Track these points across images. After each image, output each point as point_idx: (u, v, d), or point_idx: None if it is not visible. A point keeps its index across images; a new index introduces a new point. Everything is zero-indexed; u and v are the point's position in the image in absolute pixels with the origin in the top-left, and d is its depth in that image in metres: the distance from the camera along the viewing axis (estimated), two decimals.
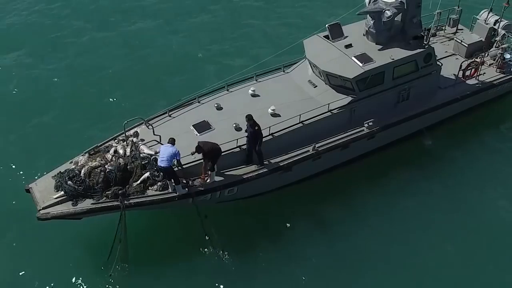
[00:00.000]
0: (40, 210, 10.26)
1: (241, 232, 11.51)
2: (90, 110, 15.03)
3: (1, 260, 11.15)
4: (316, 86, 12.47)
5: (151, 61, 17.23)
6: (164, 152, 10.13)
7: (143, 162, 10.79)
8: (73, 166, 10.98)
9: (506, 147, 13.90)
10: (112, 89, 15.89)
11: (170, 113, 12.20)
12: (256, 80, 13.02)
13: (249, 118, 10.50)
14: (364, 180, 12.76)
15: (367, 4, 12.34)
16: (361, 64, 11.74)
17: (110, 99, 15.54)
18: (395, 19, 12.31)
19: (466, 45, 14.51)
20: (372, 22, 12.17)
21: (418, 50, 12.21)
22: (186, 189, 10.54)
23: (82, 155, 11.30)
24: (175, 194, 10.56)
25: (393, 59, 11.92)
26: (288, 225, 11.64)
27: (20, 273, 10.88)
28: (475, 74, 13.71)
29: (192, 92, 12.69)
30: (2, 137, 14.19)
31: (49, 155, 13.20)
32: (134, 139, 11.47)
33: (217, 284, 10.60)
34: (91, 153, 11.38)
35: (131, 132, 11.60)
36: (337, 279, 10.68)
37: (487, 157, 13.53)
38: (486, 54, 14.24)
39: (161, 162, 10.13)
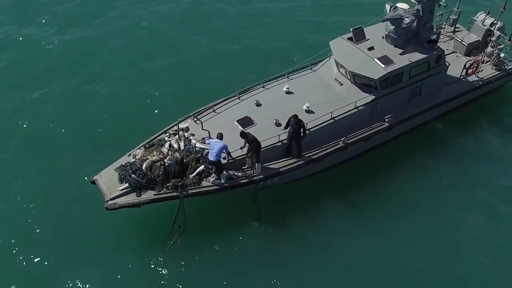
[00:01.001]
0: (108, 201, 11.46)
1: (282, 215, 13.10)
2: (139, 105, 16.08)
3: (69, 239, 12.45)
4: (342, 84, 13.95)
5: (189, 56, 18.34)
6: (213, 147, 11.44)
7: (197, 156, 12.16)
8: (133, 159, 12.19)
9: (500, 130, 16.08)
10: (156, 85, 16.89)
11: (214, 109, 13.48)
12: (288, 78, 14.41)
13: (295, 117, 11.92)
14: (384, 163, 14.52)
15: (388, 11, 13.80)
16: (383, 66, 13.29)
17: (156, 93, 16.63)
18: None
19: (466, 44, 16.30)
20: (392, 27, 13.68)
21: (431, 53, 13.88)
22: (226, 180, 11.99)
23: (139, 149, 12.51)
24: (226, 185, 12.04)
25: (410, 61, 13.52)
26: (320, 205, 13.39)
27: (84, 253, 12.16)
28: (476, 71, 15.58)
29: (231, 87, 14.06)
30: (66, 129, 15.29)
31: (104, 148, 14.35)
32: (186, 134, 12.75)
33: (262, 261, 12.23)
34: (146, 146, 12.60)
35: (182, 126, 12.83)
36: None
37: (485, 137, 15.77)
38: (484, 53, 16.12)
39: (211, 156, 11.44)
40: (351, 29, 14.08)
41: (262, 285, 11.73)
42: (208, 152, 11.80)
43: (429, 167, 14.60)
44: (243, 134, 11.85)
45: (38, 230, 12.56)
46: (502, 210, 13.54)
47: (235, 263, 12.13)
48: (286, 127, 12.37)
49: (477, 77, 15.65)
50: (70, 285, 11.52)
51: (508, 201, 13.72)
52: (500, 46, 15.78)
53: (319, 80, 14.30)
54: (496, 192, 13.93)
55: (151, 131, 13.09)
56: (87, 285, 11.53)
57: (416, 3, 13.54)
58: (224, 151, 11.56)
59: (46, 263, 11.93)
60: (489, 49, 16.17)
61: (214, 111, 13.48)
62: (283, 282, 11.73)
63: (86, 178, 12.63)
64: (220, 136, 11.61)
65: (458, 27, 17.53)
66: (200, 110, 13.50)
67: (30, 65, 17.69)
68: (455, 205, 13.56)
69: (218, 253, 12.28)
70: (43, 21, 19.83)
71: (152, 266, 11.94)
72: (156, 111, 15.76)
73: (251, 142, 11.72)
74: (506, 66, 16.12)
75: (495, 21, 16.05)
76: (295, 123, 11.96)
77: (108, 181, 11.89)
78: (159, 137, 12.82)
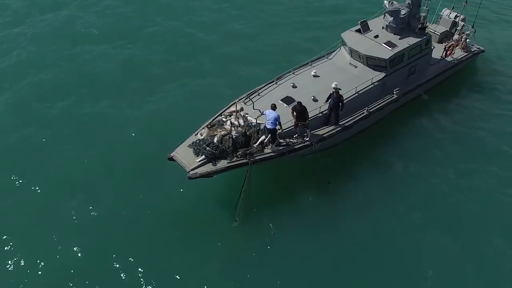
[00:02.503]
0: (189, 171, 13.27)
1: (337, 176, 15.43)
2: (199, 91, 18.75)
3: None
4: (357, 67, 16.94)
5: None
6: (269, 116, 13.59)
7: (256, 129, 14.37)
8: (201, 137, 14.14)
9: (471, 95, 19.78)
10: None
11: (259, 92, 15.83)
12: (311, 65, 17.16)
13: (337, 92, 14.60)
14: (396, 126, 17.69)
15: (387, 6, 17.17)
16: (390, 49, 16.49)
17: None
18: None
19: (438, 34, 20.13)
20: (391, 18, 17.03)
21: (423, 37, 17.36)
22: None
23: (203, 129, 14.47)
24: (286, 149, 14.34)
25: (409, 44, 16.86)
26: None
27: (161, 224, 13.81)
28: (451, 53, 19.39)
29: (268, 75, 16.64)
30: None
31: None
32: (241, 113, 14.95)
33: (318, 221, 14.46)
34: (209, 126, 14.60)
35: (237, 107, 15.02)
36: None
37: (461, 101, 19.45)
38: (452, 40, 20.04)
39: (268, 125, 13.61)
40: (359, 22, 17.27)
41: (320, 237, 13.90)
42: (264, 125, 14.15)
43: (428, 128, 17.96)
44: (294, 108, 14.28)
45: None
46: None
47: (290, 219, 14.28)
48: (327, 101, 15.00)
49: (452, 58, 19.45)
50: (160, 255, 13.08)
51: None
52: (468, 32, 19.79)
53: (336, 66, 17.18)
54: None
55: (209, 113, 15.19)
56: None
57: None
58: (278, 120, 13.88)
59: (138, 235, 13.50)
60: (456, 37, 20.12)
61: (258, 94, 15.84)
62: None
63: None
64: (273, 107, 13.86)
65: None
66: (248, 94, 15.79)
67: None
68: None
69: (279, 213, 14.33)
70: None
71: (229, 229, 13.76)
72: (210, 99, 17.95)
73: (303, 111, 14.19)
74: (471, 48, 20.15)
75: (458, 14, 20.11)
76: (336, 97, 14.63)
77: (184, 156, 13.71)
78: (217, 119, 14.90)
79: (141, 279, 12.43)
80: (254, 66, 20.40)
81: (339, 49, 17.85)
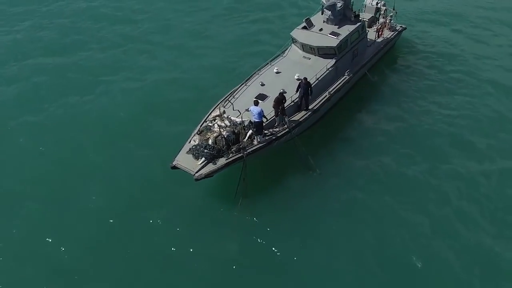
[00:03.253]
0: (195, 174, 14.62)
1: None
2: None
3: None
4: (310, 58, 19.26)
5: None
6: (254, 112, 15.41)
7: (242, 125, 16.03)
8: (195, 143, 15.53)
9: (404, 66, 23.01)
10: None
11: (233, 95, 17.52)
12: (271, 64, 19.20)
13: (305, 79, 16.72)
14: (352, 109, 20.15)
15: (324, 2, 19.70)
16: (335, 38, 19.00)
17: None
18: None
19: (367, 20, 23.16)
20: (330, 12, 19.61)
21: (359, 23, 20.12)
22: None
23: (195, 135, 15.87)
24: (269, 139, 16.13)
25: (349, 31, 19.52)
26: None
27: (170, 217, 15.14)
28: (382, 34, 22.47)
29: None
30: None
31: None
32: (224, 115, 16.52)
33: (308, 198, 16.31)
34: (198, 133, 16.02)
35: (220, 111, 16.57)
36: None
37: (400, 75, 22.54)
38: (378, 23, 23.20)
39: (254, 118, 15.44)
40: (304, 20, 19.67)
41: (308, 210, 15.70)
42: (249, 121, 15.90)
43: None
44: (276, 98, 16.14)
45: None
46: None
47: (284, 199, 15.96)
48: (297, 90, 17.06)
49: (383, 38, 22.55)
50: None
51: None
52: (391, 14, 23.04)
53: (292, 61, 19.36)
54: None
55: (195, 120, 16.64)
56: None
57: None
58: (262, 113, 15.69)
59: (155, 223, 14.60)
60: (381, 20, 23.31)
61: (233, 97, 17.53)
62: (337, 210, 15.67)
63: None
64: (256, 103, 15.67)
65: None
66: (224, 99, 17.43)
67: None
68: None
69: (274, 196, 15.99)
70: None
71: (235, 214, 15.29)
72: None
73: (281, 101, 16.12)
74: (396, 28, 23.45)
75: (379, 1, 23.33)
76: (305, 84, 16.75)
77: (186, 162, 15.03)
78: (203, 125, 16.36)
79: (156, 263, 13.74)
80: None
81: (290, 46, 20.09)
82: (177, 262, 13.86)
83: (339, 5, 19.47)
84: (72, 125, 18.93)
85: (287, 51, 20.08)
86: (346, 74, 19.40)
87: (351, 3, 20.71)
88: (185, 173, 14.89)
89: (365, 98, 20.76)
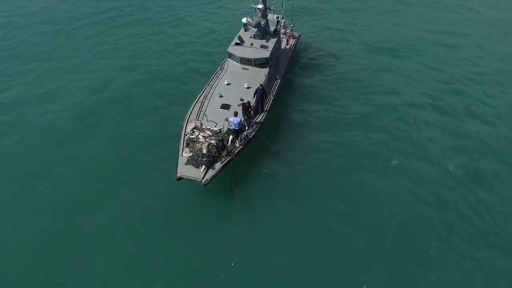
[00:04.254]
0: (201, 181, 16.99)
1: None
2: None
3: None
4: (248, 69, 22.80)
5: None
6: (234, 122, 18.50)
7: (223, 132, 18.79)
8: (188, 154, 17.79)
9: (304, 64, 28.29)
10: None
11: (201, 110, 20.01)
12: (218, 78, 22.13)
13: (261, 85, 20.23)
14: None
15: (245, 21, 23.40)
16: (266, 50, 22.93)
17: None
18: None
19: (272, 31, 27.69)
20: (256, 29, 23.41)
21: (277, 36, 24.41)
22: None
23: (184, 148, 18.06)
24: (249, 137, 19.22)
25: (273, 43, 23.65)
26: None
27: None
28: (289, 41, 27.25)
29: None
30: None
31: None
32: (203, 127, 18.99)
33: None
34: (185, 145, 18.24)
35: (198, 124, 18.96)
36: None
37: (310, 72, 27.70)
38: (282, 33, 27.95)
39: (235, 127, 18.54)
40: (237, 37, 23.08)
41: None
42: (227, 129, 18.81)
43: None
44: (243, 105, 19.31)
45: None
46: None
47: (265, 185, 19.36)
48: (254, 96, 20.46)
49: (289, 45, 27.39)
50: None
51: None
52: (291, 25, 27.98)
53: (234, 72, 22.65)
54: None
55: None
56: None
57: (259, 11, 23.63)
58: (241, 122, 18.77)
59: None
60: (283, 30, 28.13)
61: (201, 110, 20.06)
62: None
63: None
64: (236, 114, 18.73)
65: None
66: (190, 114, 19.91)
67: None
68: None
69: (260, 186, 19.26)
70: None
71: (229, 206, 18.19)
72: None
73: (248, 108, 19.38)
74: (295, 35, 28.56)
75: (277, 15, 28.04)
76: (261, 90, 20.30)
77: (189, 172, 17.25)
78: (186, 139, 18.59)
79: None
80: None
81: (226, 61, 23.32)
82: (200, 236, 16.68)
83: (262, 23, 23.47)
84: None
85: (225, 66, 23.22)
86: (277, 78, 23.56)
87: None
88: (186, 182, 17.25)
89: (286, 92, 25.33)
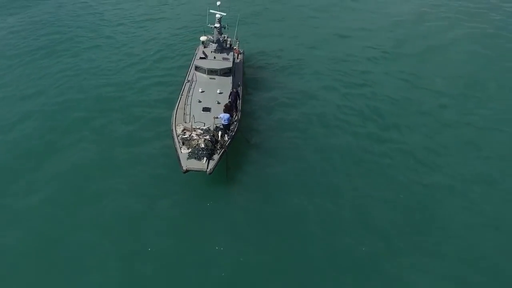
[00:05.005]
0: (207, 170, 19.30)
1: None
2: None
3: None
4: (215, 78, 25.68)
5: None
6: (224, 118, 21.26)
7: (213, 129, 21.31)
8: (188, 150, 20.01)
9: (251, 73, 32.12)
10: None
11: (186, 114, 22.30)
12: (191, 87, 24.65)
13: (236, 89, 23.23)
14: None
15: (203, 39, 26.49)
16: (228, 61, 26.15)
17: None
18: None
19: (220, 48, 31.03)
20: (215, 45, 26.54)
21: (232, 50, 27.78)
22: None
23: (182, 146, 20.22)
24: (233, 134, 21.93)
25: (232, 55, 26.95)
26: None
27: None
28: (238, 56, 30.77)
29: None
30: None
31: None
32: (193, 127, 21.30)
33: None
34: (182, 144, 20.42)
35: (187, 126, 21.23)
36: None
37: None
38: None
39: (224, 122, 21.31)
40: (202, 52, 25.99)
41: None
42: (216, 126, 21.44)
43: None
44: (226, 105, 22.12)
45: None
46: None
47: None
48: (229, 97, 23.37)
49: (239, 58, 30.93)
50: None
51: None
52: (237, 42, 31.61)
53: (203, 82, 25.35)
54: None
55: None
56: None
57: (216, 29, 26.88)
58: (230, 118, 21.54)
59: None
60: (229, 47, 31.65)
61: (186, 114, 22.39)
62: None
63: None
64: (225, 111, 21.52)
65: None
66: (175, 118, 22.23)
67: None
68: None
69: (249, 173, 22.07)
70: None
71: (228, 191, 20.64)
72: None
73: (229, 108, 22.24)
74: (241, 51, 32.23)
75: (224, 35, 31.51)
76: (235, 93, 23.35)
77: (193, 164, 19.45)
78: (180, 138, 20.77)
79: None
80: None
81: (193, 74, 26.00)
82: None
83: (221, 39, 26.75)
84: None
85: (191, 76, 25.86)
86: (239, 84, 26.82)
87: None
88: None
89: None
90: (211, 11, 27.57)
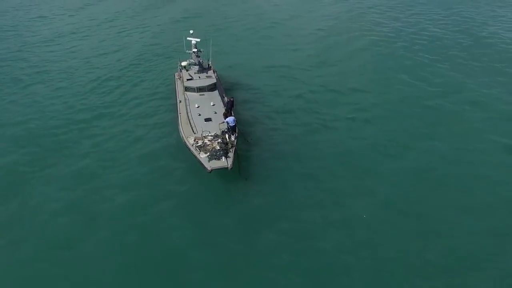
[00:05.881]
0: (228, 166, 22.71)
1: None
2: None
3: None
4: (204, 94, 29.28)
5: None
6: (230, 120, 25.02)
7: (220, 133, 24.80)
8: (207, 153, 23.35)
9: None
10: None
11: (192, 128, 25.63)
12: (187, 104, 28.04)
13: (231, 98, 26.98)
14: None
15: (185, 63, 30.14)
16: (212, 78, 29.97)
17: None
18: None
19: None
20: (197, 67, 30.22)
21: (211, 69, 31.53)
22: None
23: (200, 152, 23.52)
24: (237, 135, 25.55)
25: (213, 73, 30.70)
26: None
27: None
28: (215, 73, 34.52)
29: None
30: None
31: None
32: (204, 134, 24.68)
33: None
34: (200, 149, 23.75)
35: (199, 135, 24.61)
36: None
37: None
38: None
39: (231, 124, 25.01)
40: (188, 74, 29.54)
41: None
42: (223, 130, 25.02)
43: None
44: (225, 114, 25.76)
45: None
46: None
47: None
48: (225, 106, 27.01)
49: (215, 74, 34.66)
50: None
51: None
52: (210, 63, 35.37)
53: (196, 99, 28.88)
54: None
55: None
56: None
57: (195, 54, 30.61)
58: (235, 119, 25.17)
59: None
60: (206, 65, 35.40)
61: (192, 126, 25.76)
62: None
63: None
64: (231, 114, 25.15)
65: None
66: (183, 131, 25.56)
67: None
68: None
69: (257, 166, 25.68)
70: None
71: (242, 183, 24.12)
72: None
73: (227, 115, 25.90)
74: (214, 68, 36.03)
75: (199, 59, 35.26)
76: (231, 101, 27.10)
77: (215, 164, 22.83)
78: (195, 147, 24.07)
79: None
80: None
81: (183, 94, 29.48)
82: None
83: (201, 61, 30.56)
84: None
85: (183, 96, 29.33)
86: (224, 96, 30.53)
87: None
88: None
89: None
90: (188, 38, 31.33)
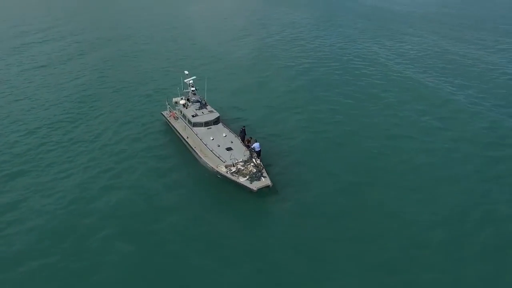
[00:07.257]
0: (270, 184, 25.61)
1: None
2: None
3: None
4: (211, 127, 31.75)
5: None
6: (257, 145, 28.09)
7: (250, 158, 27.56)
8: (246, 177, 26.01)
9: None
10: None
11: (219, 157, 28.02)
12: (200, 140, 30.29)
13: (244, 128, 29.90)
14: None
15: (183, 102, 32.55)
16: (215, 112, 32.58)
17: None
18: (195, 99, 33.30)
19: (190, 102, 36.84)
20: (198, 103, 32.67)
21: (208, 105, 34.17)
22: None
23: (238, 178, 26.07)
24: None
25: (212, 108, 33.34)
26: None
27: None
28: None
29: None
30: None
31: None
32: (235, 162, 27.21)
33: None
34: (237, 175, 26.27)
35: (227, 164, 27.08)
36: None
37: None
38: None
39: (257, 148, 28.11)
40: (195, 112, 31.89)
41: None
42: (249, 155, 27.87)
43: None
44: (247, 142, 28.66)
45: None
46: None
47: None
48: (239, 135, 29.89)
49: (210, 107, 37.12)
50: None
51: None
52: (204, 99, 37.72)
53: (206, 133, 31.21)
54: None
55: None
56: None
57: (192, 92, 33.04)
58: (260, 146, 28.20)
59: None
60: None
61: (218, 157, 28.15)
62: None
63: None
64: (256, 140, 28.20)
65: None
66: (209, 163, 27.94)
67: None
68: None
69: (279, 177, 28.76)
70: None
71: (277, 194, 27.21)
72: None
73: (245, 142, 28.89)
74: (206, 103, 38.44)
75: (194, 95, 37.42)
76: (243, 130, 30.05)
77: (259, 184, 25.63)
78: (230, 174, 26.53)
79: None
80: None
81: (189, 130, 31.74)
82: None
83: (199, 98, 33.13)
84: None
85: (191, 131, 31.55)
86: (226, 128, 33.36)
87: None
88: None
89: None
90: (185, 80, 33.74)
